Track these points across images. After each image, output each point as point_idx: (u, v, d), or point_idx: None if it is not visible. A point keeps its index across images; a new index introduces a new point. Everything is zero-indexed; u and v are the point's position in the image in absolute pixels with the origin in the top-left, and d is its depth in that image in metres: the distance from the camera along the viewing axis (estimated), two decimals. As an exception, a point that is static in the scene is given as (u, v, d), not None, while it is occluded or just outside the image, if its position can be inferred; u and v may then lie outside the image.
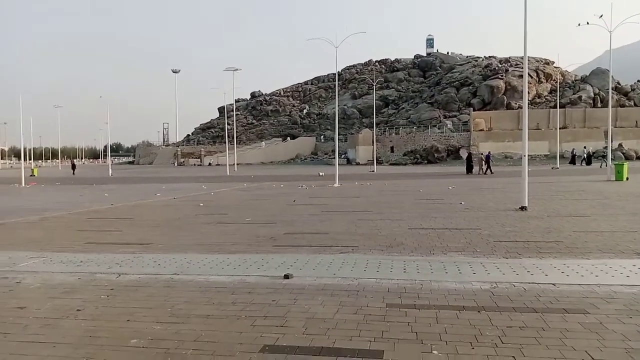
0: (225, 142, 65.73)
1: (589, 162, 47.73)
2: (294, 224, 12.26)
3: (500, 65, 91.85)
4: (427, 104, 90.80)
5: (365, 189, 24.49)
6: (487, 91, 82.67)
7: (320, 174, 39.75)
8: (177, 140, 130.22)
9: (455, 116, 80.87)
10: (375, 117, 61.50)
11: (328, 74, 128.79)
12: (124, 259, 8.18)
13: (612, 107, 34.84)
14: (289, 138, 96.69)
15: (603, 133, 55.49)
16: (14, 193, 27.48)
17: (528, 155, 15.78)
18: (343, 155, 71.62)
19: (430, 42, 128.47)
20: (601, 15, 26.90)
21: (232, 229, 11.62)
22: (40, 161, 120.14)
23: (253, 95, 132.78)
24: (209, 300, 5.81)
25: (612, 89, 55.96)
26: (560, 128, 51.60)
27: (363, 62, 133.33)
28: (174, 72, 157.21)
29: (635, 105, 74.25)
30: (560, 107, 57.57)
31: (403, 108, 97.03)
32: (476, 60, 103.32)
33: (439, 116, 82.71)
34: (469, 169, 37.78)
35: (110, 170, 55.77)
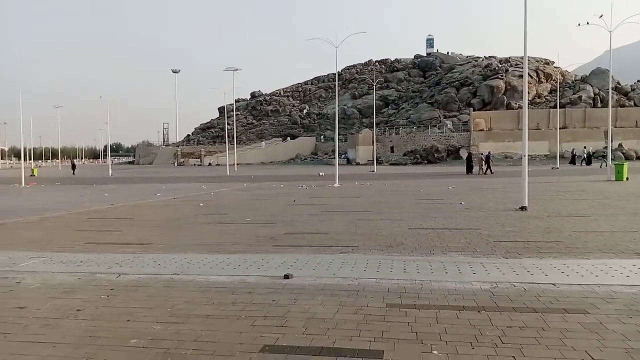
0: (225, 142, 65.74)
1: (589, 162, 47.72)
2: (294, 224, 12.26)
3: (500, 65, 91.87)
4: (427, 104, 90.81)
5: (365, 189, 24.49)
6: (487, 91, 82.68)
7: (320, 174, 39.75)
8: (177, 140, 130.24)
9: (455, 116, 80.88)
10: (375, 117, 61.50)
11: (328, 74, 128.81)
12: (124, 259, 8.19)
13: (612, 107, 34.84)
14: (289, 138, 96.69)
15: (603, 133, 55.50)
16: (14, 193, 27.49)
17: (528, 156, 15.78)
18: (343, 156, 71.62)
19: (430, 42, 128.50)
20: (601, 15, 26.92)
21: (232, 229, 11.62)
22: (40, 161, 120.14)
23: (253, 95, 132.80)
24: (209, 300, 5.81)
25: (612, 89, 55.96)
26: (560, 128, 51.61)
27: (363, 62, 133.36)
28: (174, 72, 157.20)
29: (635, 105, 74.26)
30: (560, 107, 57.58)
31: (403, 108, 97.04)
32: (476, 60, 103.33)
33: (439, 116, 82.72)
34: (469, 169, 37.77)
35: (110, 170, 55.77)
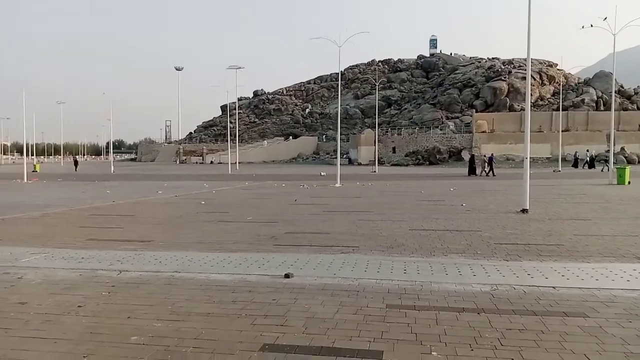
0: (227, 141, 65.78)
1: (591, 166, 47.64)
2: (295, 223, 12.28)
3: (503, 67, 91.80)
4: (429, 104, 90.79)
5: (367, 189, 24.50)
6: (489, 93, 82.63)
7: (322, 173, 39.76)
8: (180, 138, 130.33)
9: (457, 117, 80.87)
10: (378, 118, 61.48)
11: (331, 74, 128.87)
12: (125, 256, 8.21)
13: (615, 110, 34.77)
14: (291, 137, 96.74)
15: (605, 136, 55.44)
16: (16, 189, 27.54)
17: (530, 158, 15.77)
18: (345, 156, 71.63)
19: (433, 43, 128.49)
20: (605, 18, 26.88)
21: (234, 227, 11.64)
22: (42, 157, 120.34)
23: (256, 93, 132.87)
24: (209, 298, 5.82)
25: (615, 92, 55.86)
26: (562, 131, 51.56)
27: (366, 62, 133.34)
28: (177, 69, 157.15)
29: (638, 108, 74.19)
30: (562, 110, 57.48)
31: (405, 109, 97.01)
32: (479, 62, 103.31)
33: (442, 117, 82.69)
34: (472, 171, 37.71)
35: (112, 167, 55.86)
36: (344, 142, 76.13)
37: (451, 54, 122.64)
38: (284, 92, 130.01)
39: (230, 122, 77.24)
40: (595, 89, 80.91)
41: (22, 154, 68.74)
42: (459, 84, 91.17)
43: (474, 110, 76.71)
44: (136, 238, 10.11)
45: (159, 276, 6.89)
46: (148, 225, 12.11)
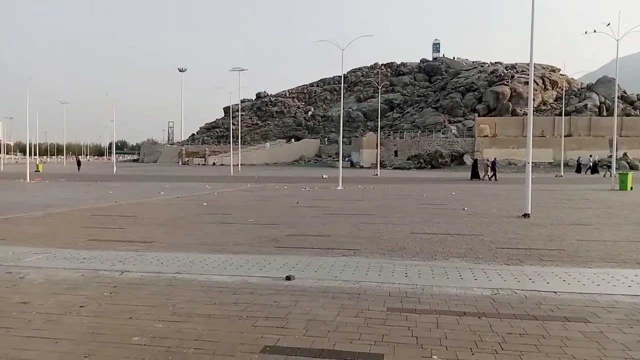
0: (229, 142, 65.85)
1: (594, 171, 47.58)
2: (297, 225, 12.29)
3: (506, 72, 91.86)
4: (432, 108, 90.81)
5: (369, 192, 24.50)
6: (492, 97, 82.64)
7: (324, 176, 39.78)
8: (182, 139, 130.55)
9: (460, 121, 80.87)
10: (380, 121, 61.54)
11: (334, 76, 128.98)
12: (127, 257, 8.23)
13: (617, 116, 34.76)
14: (293, 140, 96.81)
15: (608, 142, 55.43)
16: (19, 188, 27.61)
17: (532, 163, 15.76)
18: (347, 158, 71.65)
19: (436, 47, 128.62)
20: (608, 24, 26.87)
21: (235, 229, 11.65)
22: (45, 157, 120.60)
23: (258, 95, 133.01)
24: (210, 299, 5.84)
25: (618, 98, 55.88)
26: (565, 136, 51.53)
27: (369, 65, 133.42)
28: (180, 70, 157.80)
29: (641, 114, 74.01)
30: (565, 115, 57.48)
31: (408, 112, 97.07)
32: (482, 66, 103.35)
33: (444, 121, 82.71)
34: (474, 175, 37.67)
35: (114, 167, 55.93)
36: (346, 145, 76.18)
37: (454, 58, 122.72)
38: (287, 94, 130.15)
39: (233, 124, 77.40)
40: (598, 95, 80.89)
41: (25, 153, 68.92)
42: (462, 88, 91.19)
43: (477, 114, 76.77)
44: (138, 239, 10.13)
45: (160, 277, 6.90)
46: (150, 226, 12.13)
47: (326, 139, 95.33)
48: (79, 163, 60.92)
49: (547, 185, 29.11)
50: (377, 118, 58.49)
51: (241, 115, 76.13)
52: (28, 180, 34.05)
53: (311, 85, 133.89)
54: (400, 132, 78.34)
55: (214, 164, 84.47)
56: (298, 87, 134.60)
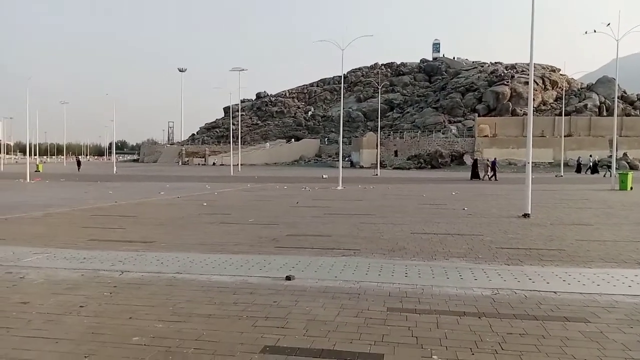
0: (229, 142, 65.85)
1: (594, 171, 47.59)
2: (297, 225, 12.29)
3: (506, 72, 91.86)
4: (432, 108, 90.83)
5: (369, 192, 24.50)
6: (492, 97, 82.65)
7: (324, 176, 39.78)
8: (182, 139, 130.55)
9: (460, 121, 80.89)
10: (380, 121, 61.55)
11: (334, 76, 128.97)
12: (127, 257, 8.23)
13: (617, 116, 34.77)
14: (293, 140, 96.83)
15: (608, 142, 55.44)
16: (19, 188, 27.61)
17: (532, 163, 15.76)
18: (347, 158, 71.66)
19: (436, 47, 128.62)
20: (608, 24, 26.87)
21: (235, 229, 11.66)
22: (45, 157, 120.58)
23: (258, 95, 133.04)
24: (210, 299, 5.84)
25: (618, 98, 55.90)
26: (565, 136, 51.53)
27: (369, 65, 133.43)
28: (180, 70, 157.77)
29: (641, 114, 74.00)
30: (565, 115, 57.49)
31: (408, 112, 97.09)
32: (482, 66, 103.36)
33: (444, 121, 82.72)
34: (474, 175, 37.67)
35: (114, 167, 55.92)
36: (346, 145, 76.19)
37: (454, 58, 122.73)
38: (287, 94, 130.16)
39: (233, 124, 77.41)
40: (598, 95, 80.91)
41: (25, 153, 68.91)
42: (462, 88, 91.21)
43: (477, 114, 76.78)
44: (138, 239, 10.13)
45: (160, 277, 6.90)
46: (150, 226, 12.13)
47: (326, 139, 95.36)
48: (79, 163, 60.94)
49: (547, 185, 29.11)
50: (377, 118, 58.51)
51: (241, 115, 76.16)
52: (28, 180, 34.04)
53: (311, 85, 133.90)
54: (400, 132, 78.36)
55: (214, 164, 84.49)
56: (298, 87, 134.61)
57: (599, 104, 78.38)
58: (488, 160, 39.86)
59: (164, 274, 7.05)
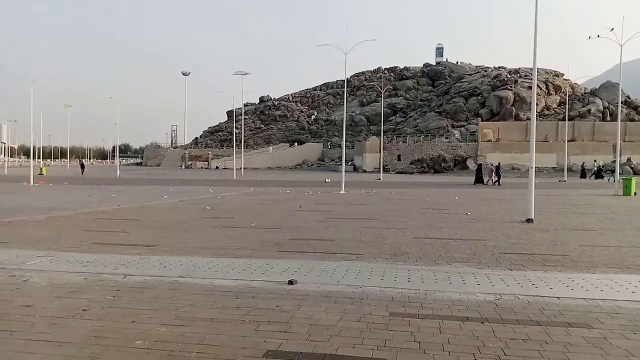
0: (232, 146, 65.97)
1: (598, 176, 47.43)
2: (300, 229, 12.29)
3: (509, 76, 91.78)
4: (435, 113, 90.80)
5: (372, 196, 24.49)
6: (495, 102, 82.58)
7: (327, 180, 39.77)
8: (185, 143, 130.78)
9: (463, 126, 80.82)
10: (383, 125, 61.53)
11: (337, 81, 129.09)
12: (130, 260, 8.24)
13: (621, 121, 34.68)
14: (296, 144, 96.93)
15: (612, 147, 55.22)
16: (23, 191, 27.70)
17: (535, 168, 15.74)
18: (350, 163, 71.66)
19: (439, 51, 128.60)
20: (612, 29, 26.86)
21: (238, 233, 11.67)
22: (49, 160, 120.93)
23: (262, 99, 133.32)
24: (213, 303, 5.84)
25: (622, 103, 55.70)
26: (568, 141, 51.39)
27: (372, 69, 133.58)
28: (183, 74, 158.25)
29: (645, 119, 73.80)
30: (569, 120, 57.34)
31: (411, 116, 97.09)
32: (485, 71, 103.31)
33: (447, 125, 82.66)
34: (478, 180, 37.59)
35: (118, 171, 56.06)
36: (349, 149, 76.20)
37: (457, 62, 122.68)
38: (290, 98, 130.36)
39: (236, 128, 77.55)
40: (601, 100, 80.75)
41: (29, 156, 69.17)
42: (465, 92, 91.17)
43: (480, 119, 76.68)
44: (141, 242, 10.15)
45: (163, 281, 6.92)
46: (153, 230, 12.15)
47: (329, 143, 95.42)
48: (82, 166, 61.05)
49: (550, 190, 29.04)
50: (380, 122, 58.44)
51: (244, 119, 76.39)
52: (32, 183, 34.16)
53: (314, 89, 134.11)
54: (403, 136, 78.33)
55: (217, 167, 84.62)
56: (301, 91, 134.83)
57: (602, 109, 78.20)
58: (492, 165, 39.79)
59: (166, 278, 7.06)
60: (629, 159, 56.87)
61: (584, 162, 52.16)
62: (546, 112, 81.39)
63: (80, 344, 4.54)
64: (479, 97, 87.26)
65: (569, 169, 49.27)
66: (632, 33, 27.37)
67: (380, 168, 51.64)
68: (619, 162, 30.72)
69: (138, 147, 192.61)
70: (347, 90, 43.17)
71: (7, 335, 4.76)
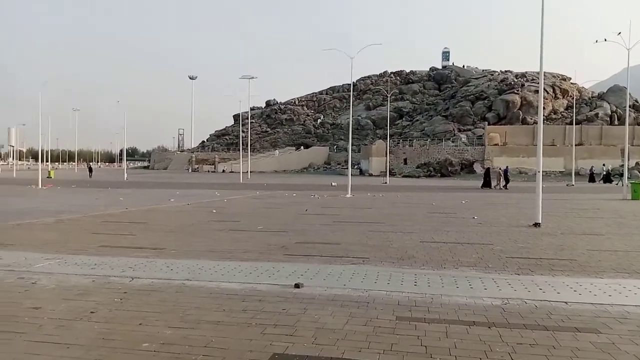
0: (239, 150, 66.16)
1: (607, 180, 47.17)
2: (306, 233, 12.30)
3: (516, 80, 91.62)
4: (441, 116, 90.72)
5: (378, 200, 24.46)
6: (502, 106, 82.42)
7: (333, 184, 39.79)
8: (192, 147, 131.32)
9: (469, 130, 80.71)
10: (389, 129, 61.53)
11: (343, 84, 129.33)
12: (137, 263, 8.28)
13: (629, 125, 34.48)
14: (302, 147, 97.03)
15: (620, 151, 54.87)
16: (31, 194, 27.90)
17: (543, 172, 15.67)
18: (356, 166, 71.66)
19: (446, 55, 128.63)
20: (619, 33, 26.76)
21: (244, 236, 11.69)
22: (57, 163, 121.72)
23: (268, 103, 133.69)
24: (219, 306, 5.86)
25: (630, 107, 55.44)
26: (576, 145, 51.17)
27: (378, 73, 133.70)
28: (190, 78, 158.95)
29: (654, 123, 73.32)
30: (576, 124, 57.10)
31: (417, 120, 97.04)
32: (492, 75, 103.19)
33: (454, 129, 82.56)
34: (486, 184, 37.45)
35: (125, 174, 56.34)
36: (355, 152, 76.21)
37: (464, 66, 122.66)
38: (296, 102, 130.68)
39: (243, 132, 77.80)
40: (609, 103, 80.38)
41: (37, 160, 69.65)
42: (472, 96, 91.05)
43: (487, 122, 76.52)
44: (148, 245, 10.20)
45: (170, 284, 6.94)
46: (160, 233, 12.20)
47: (335, 146, 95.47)
48: (90, 170, 61.45)
49: (558, 195, 28.88)
50: (387, 126, 58.45)
51: (251, 122, 76.57)
52: (40, 186, 34.41)
53: (320, 93, 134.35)
54: (410, 140, 78.31)
55: (223, 171, 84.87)
56: (307, 95, 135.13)
57: (610, 113, 77.83)
58: (500, 169, 39.66)
59: (173, 281, 7.09)
60: (637, 163, 56.52)
61: (592, 166, 51.87)
62: (553, 116, 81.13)
63: (87, 346, 4.56)
64: (486, 101, 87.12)
65: (577, 173, 49.02)
66: (639, 37, 27.26)
67: (386, 172, 51.60)
68: (627, 166, 30.54)
69: (145, 151, 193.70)
70: (353, 94, 43.29)
71: (15, 337, 4.80)
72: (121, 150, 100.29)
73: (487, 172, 39.43)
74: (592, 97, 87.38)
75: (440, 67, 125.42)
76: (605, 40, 28.62)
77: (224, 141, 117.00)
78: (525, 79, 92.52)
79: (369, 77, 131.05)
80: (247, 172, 59.74)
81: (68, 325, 5.18)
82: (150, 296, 6.31)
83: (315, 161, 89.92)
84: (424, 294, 6.46)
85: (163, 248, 9.87)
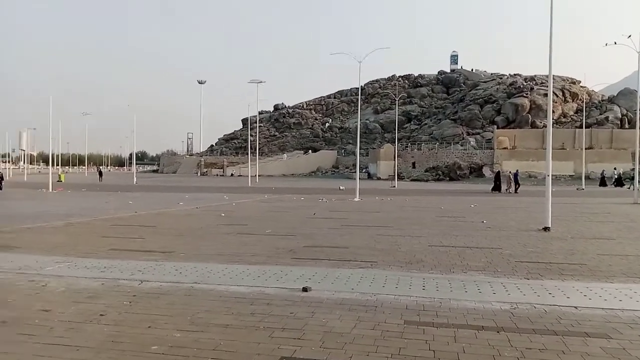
0: (247, 154, 66.36)
1: (619, 184, 46.72)
2: (314, 237, 12.30)
3: (525, 84, 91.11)
4: (450, 120, 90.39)
5: (386, 204, 24.42)
6: (511, 109, 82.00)
7: (341, 187, 39.76)
8: (201, 151, 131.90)
9: (478, 133, 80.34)
10: (398, 133, 61.46)
11: (351, 88, 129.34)
12: (146, 266, 8.33)
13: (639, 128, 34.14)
14: (310, 151, 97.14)
15: (630, 155, 54.34)
16: (41, 198, 28.16)
17: (552, 176, 15.57)
18: (364, 170, 71.54)
19: (454, 59, 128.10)
20: (629, 36, 26.56)
21: (253, 240, 11.72)
22: (67, 167, 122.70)
23: (276, 107, 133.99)
24: (228, 310, 5.88)
25: (641, 110, 54.82)
26: (586, 148, 50.75)
27: (386, 77, 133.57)
28: (199, 82, 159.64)
29: (665, 126, 72.66)
30: (586, 127, 56.65)
31: (426, 124, 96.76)
32: (501, 78, 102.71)
33: (462, 133, 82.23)
34: (496, 188, 37.25)
35: (135, 178, 56.68)
36: (363, 156, 76.13)
37: (472, 69, 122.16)
38: (304, 106, 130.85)
39: (251, 136, 78.00)
40: (619, 107, 79.73)
41: (47, 164, 70.29)
42: (480, 100, 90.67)
43: (496, 126, 76.15)
44: (157, 249, 10.25)
45: (179, 287, 6.97)
46: (169, 236, 12.26)
47: (343, 150, 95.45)
48: (100, 173, 61.92)
49: (568, 198, 28.67)
50: (395, 130, 58.39)
51: (259, 126, 76.83)
52: (50, 190, 34.72)
53: (328, 96, 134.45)
54: (418, 143, 78.11)
55: (232, 174, 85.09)
56: (315, 99, 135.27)
57: (620, 116, 77.20)
58: (510, 173, 39.42)
59: (182, 284, 7.12)
60: (648, 167, 55.91)
61: (603, 170, 51.43)
62: (563, 120, 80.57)
63: (97, 349, 4.60)
64: (495, 105, 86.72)
65: (587, 177, 48.62)
66: (650, 39, 27.00)
67: (394, 175, 51.49)
68: (637, 170, 30.22)
69: (154, 155, 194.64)
70: (361, 98, 43.30)
71: (26, 339, 4.84)
72: (130, 154, 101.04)
73: (497, 175, 39.22)
74: (602, 101, 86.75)
75: (448, 71, 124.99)
76: (615, 43, 28.41)
77: (233, 145, 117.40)
78: (534, 82, 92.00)
79: (377, 80, 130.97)
80: (256, 175, 59.87)
81: (78, 327, 5.23)
82: (159, 299, 6.34)
83: (323, 165, 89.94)
84: (432, 298, 6.44)
85: (172, 251, 9.92)
